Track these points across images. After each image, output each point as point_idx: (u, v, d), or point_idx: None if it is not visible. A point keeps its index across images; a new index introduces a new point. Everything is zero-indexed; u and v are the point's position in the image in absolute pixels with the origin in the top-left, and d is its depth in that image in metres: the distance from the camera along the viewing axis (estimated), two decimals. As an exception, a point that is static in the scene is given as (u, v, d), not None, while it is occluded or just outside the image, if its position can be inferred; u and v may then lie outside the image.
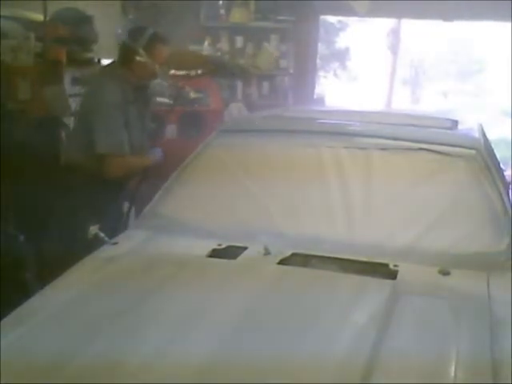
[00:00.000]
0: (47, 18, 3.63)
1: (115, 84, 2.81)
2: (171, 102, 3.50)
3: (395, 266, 2.06)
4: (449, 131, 2.85)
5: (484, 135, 3.06)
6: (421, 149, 2.53)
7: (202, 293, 1.86)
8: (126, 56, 2.86)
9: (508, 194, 2.52)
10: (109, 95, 2.78)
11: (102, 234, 2.27)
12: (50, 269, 2.20)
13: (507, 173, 4.71)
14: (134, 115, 2.87)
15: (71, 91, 3.70)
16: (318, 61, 6.67)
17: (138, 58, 2.81)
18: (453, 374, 1.52)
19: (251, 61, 3.57)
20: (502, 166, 3.49)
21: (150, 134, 3.13)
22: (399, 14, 6.90)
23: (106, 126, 2.76)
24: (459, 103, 14.99)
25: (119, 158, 2.81)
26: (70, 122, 3.56)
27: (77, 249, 2.29)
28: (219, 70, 3.44)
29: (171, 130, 4.41)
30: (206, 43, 5.44)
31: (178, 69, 3.85)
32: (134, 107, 2.87)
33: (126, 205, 3.15)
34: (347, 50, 14.40)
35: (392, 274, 2.02)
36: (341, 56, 14.44)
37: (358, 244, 2.20)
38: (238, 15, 5.49)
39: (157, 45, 2.87)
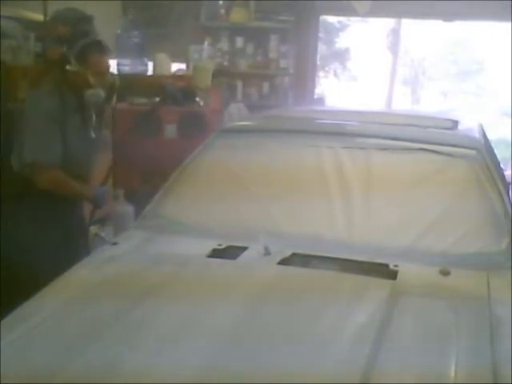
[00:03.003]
0: (47, 18, 3.63)
1: (49, 92, 2.66)
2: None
3: (395, 266, 2.06)
4: (449, 131, 2.85)
5: (484, 135, 3.06)
6: (421, 149, 2.53)
7: (201, 293, 1.86)
8: (60, 64, 2.71)
9: (508, 194, 2.53)
10: (41, 104, 2.64)
11: (102, 234, 2.28)
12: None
13: (507, 173, 4.71)
14: (75, 126, 2.71)
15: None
16: (317, 61, 6.67)
17: (68, 67, 2.66)
18: (453, 374, 1.52)
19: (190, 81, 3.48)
20: (502, 165, 3.49)
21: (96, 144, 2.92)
22: (399, 14, 6.90)
23: (35, 136, 2.60)
24: (459, 103, 14.99)
25: (48, 169, 2.63)
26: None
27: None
28: (170, 97, 3.24)
29: (171, 130, 4.41)
30: (206, 43, 5.44)
31: (135, 96, 3.80)
32: (74, 117, 2.72)
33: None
34: (347, 50, 14.39)
35: (392, 274, 2.02)
36: (341, 56, 14.44)
37: (358, 244, 2.20)
38: (237, 15, 5.49)
39: (91, 54, 2.70)
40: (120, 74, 3.04)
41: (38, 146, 2.61)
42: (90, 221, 2.92)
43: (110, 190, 2.95)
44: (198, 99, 3.38)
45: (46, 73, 2.81)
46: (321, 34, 8.15)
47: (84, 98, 2.69)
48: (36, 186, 2.62)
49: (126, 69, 4.80)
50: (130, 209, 3.75)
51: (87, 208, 2.97)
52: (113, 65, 4.53)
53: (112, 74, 2.86)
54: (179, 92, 3.25)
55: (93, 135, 2.77)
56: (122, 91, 3.01)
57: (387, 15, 6.92)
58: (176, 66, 5.22)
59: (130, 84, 3.23)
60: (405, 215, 2.30)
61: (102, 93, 2.70)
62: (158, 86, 3.30)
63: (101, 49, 2.75)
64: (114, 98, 2.99)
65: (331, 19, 12.17)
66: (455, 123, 2.98)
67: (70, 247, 2.75)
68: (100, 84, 2.70)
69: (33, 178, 2.62)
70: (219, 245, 2.22)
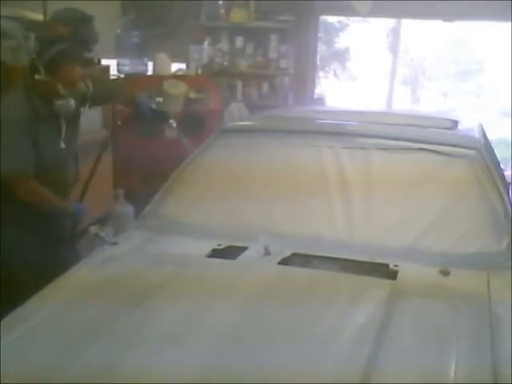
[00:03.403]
0: (47, 18, 3.63)
1: (21, 101, 2.58)
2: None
3: (395, 266, 2.06)
4: (449, 131, 2.85)
5: (484, 135, 3.06)
6: (421, 149, 2.53)
7: (201, 294, 1.86)
8: (31, 73, 2.60)
9: (508, 193, 2.53)
10: (12, 113, 2.56)
11: (102, 234, 2.27)
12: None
13: (507, 173, 4.71)
14: (47, 135, 2.62)
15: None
16: (317, 61, 6.67)
17: (36, 76, 2.55)
18: (453, 374, 1.52)
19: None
20: (502, 165, 3.49)
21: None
22: (399, 14, 6.89)
23: (6, 145, 2.51)
24: (459, 103, 14.99)
25: (24, 179, 2.56)
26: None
27: None
28: (139, 114, 2.98)
29: (171, 130, 4.42)
30: (206, 43, 5.45)
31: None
32: (46, 127, 2.62)
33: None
34: (347, 50, 14.39)
35: (392, 274, 2.02)
36: (341, 56, 14.43)
37: (358, 244, 2.20)
38: (237, 15, 5.49)
39: (60, 65, 2.56)
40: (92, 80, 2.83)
41: (11, 156, 2.52)
42: (73, 233, 2.86)
43: (85, 208, 2.81)
44: (171, 122, 3.07)
45: (16, 81, 2.74)
46: (321, 34, 8.15)
47: (54, 107, 2.59)
48: (12, 196, 2.55)
49: (126, 69, 4.81)
50: (130, 209, 3.75)
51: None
52: (112, 65, 4.56)
53: (86, 82, 2.72)
54: (151, 111, 3.00)
55: (63, 145, 2.64)
56: (95, 99, 2.83)
57: (387, 15, 6.91)
58: (176, 66, 5.23)
59: (103, 91, 2.96)
60: (405, 215, 2.30)
61: (72, 103, 2.60)
62: (131, 98, 3.05)
63: (71, 58, 2.61)
64: (87, 107, 2.78)
65: (331, 19, 12.16)
66: (455, 123, 2.98)
67: (49, 254, 2.67)
68: (70, 94, 2.60)
69: (9, 188, 2.55)
70: (219, 245, 2.22)
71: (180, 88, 2.85)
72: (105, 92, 3.01)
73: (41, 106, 2.59)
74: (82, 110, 2.78)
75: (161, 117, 3.03)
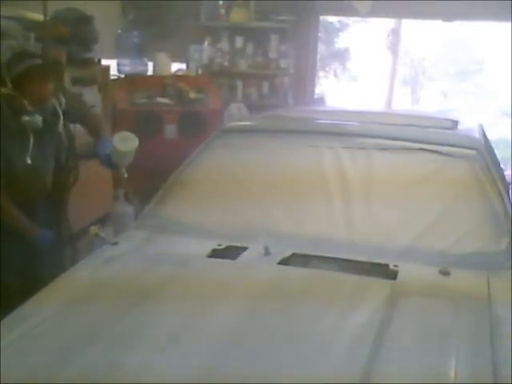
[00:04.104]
0: (47, 18, 3.63)
1: None
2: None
3: (395, 266, 2.06)
4: (449, 131, 2.85)
5: (484, 135, 3.06)
6: (421, 149, 2.53)
7: (201, 294, 1.86)
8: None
9: (508, 193, 2.53)
10: None
11: (102, 234, 2.27)
12: None
13: (507, 173, 4.71)
14: (16, 148, 2.56)
15: (71, 91, 3.68)
16: (317, 61, 6.66)
17: (3, 90, 2.47)
18: (453, 374, 1.52)
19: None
20: (502, 165, 3.49)
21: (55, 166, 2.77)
22: (399, 14, 6.89)
23: None
24: (459, 103, 14.98)
25: None
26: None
27: None
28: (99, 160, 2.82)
29: (171, 130, 4.42)
30: (206, 43, 5.45)
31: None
32: (15, 140, 2.55)
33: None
34: (347, 50, 14.39)
35: (392, 274, 2.02)
36: (341, 56, 14.43)
37: (358, 244, 2.20)
38: (238, 15, 5.49)
39: (26, 82, 2.48)
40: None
41: None
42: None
43: (53, 237, 2.69)
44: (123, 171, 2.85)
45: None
46: (321, 34, 8.13)
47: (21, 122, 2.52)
48: None
49: (126, 69, 4.81)
50: (129, 209, 3.74)
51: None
52: (112, 65, 4.55)
53: (58, 97, 2.63)
54: (106, 158, 2.81)
55: (28, 161, 2.55)
56: (69, 116, 2.73)
57: (387, 15, 6.91)
58: (176, 66, 5.23)
59: (77, 109, 2.82)
60: (405, 215, 2.30)
61: (38, 120, 2.53)
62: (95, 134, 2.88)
63: (38, 76, 2.52)
64: (61, 123, 2.67)
65: (331, 19, 12.16)
66: (455, 123, 2.98)
67: (35, 262, 2.67)
68: (39, 110, 2.54)
69: None
70: (219, 245, 2.22)
71: (130, 143, 2.71)
72: (78, 111, 2.89)
73: (8, 120, 2.53)
74: (59, 125, 2.70)
75: (113, 166, 2.85)
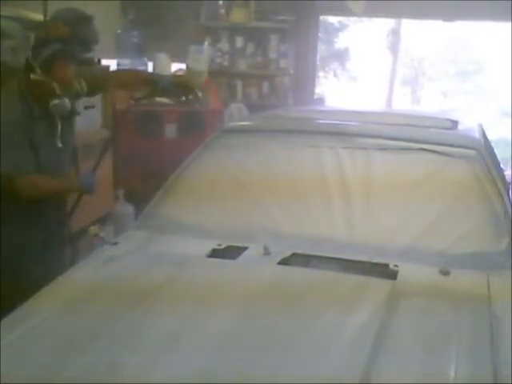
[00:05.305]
0: (47, 18, 3.63)
1: (14, 102, 2.56)
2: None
3: (395, 266, 2.06)
4: (449, 131, 2.85)
5: (484, 135, 3.06)
6: (421, 149, 2.53)
7: (201, 294, 1.86)
8: (25, 72, 2.60)
9: (508, 193, 2.53)
10: (6, 114, 2.53)
11: (102, 234, 2.27)
12: None
13: (507, 173, 4.71)
14: (44, 133, 2.61)
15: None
16: (317, 61, 6.67)
17: (32, 76, 2.54)
18: (453, 374, 1.52)
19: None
20: (502, 165, 3.49)
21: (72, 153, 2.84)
22: (399, 14, 6.90)
23: (3, 147, 2.48)
24: (459, 103, 15.00)
25: (21, 177, 2.52)
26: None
27: None
28: (160, 90, 3.01)
29: (171, 130, 4.42)
30: (206, 43, 5.45)
31: (117, 89, 3.67)
32: (41, 127, 2.60)
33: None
34: (347, 50, 14.41)
35: (392, 274, 2.02)
36: (341, 56, 14.45)
37: (358, 244, 2.20)
38: (238, 15, 5.50)
39: (56, 64, 2.55)
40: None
41: (8, 158, 2.49)
42: (71, 210, 2.84)
43: (96, 176, 2.76)
44: (196, 91, 3.03)
45: (10, 81, 2.71)
46: (320, 34, 8.14)
47: (49, 107, 2.57)
48: (13, 196, 2.52)
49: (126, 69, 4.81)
50: (130, 209, 3.75)
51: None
52: (112, 65, 4.55)
53: (80, 82, 2.71)
54: (171, 84, 3.00)
55: (59, 144, 2.63)
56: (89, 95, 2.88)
57: (387, 15, 6.93)
58: (176, 66, 5.23)
59: (95, 87, 2.94)
60: (405, 215, 2.30)
61: (67, 102, 2.58)
62: (145, 78, 3.11)
63: (67, 58, 2.61)
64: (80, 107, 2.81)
65: (331, 19, 12.18)
66: (455, 123, 2.98)
67: (49, 255, 2.65)
68: (66, 93, 2.59)
69: (10, 189, 2.51)
70: (219, 245, 2.22)
71: (202, 62, 2.90)
72: (97, 86, 3.00)
73: (35, 106, 2.58)
74: (77, 108, 2.78)
75: (183, 88, 3.01)
